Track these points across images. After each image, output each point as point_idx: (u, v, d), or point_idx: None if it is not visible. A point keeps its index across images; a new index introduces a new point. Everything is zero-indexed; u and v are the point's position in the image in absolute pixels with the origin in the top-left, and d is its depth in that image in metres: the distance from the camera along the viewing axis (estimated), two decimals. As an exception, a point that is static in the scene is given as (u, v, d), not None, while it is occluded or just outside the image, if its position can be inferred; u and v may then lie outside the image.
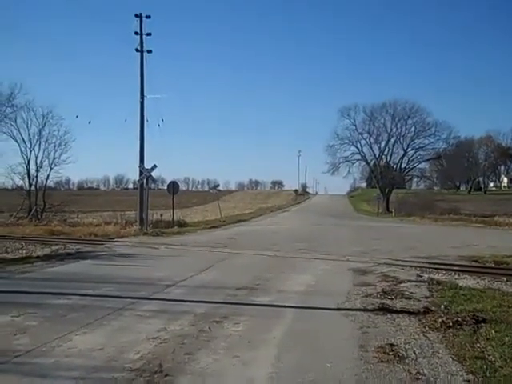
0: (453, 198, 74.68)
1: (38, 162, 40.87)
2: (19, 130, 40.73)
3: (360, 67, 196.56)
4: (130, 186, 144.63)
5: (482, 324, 7.16)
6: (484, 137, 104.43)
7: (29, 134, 40.85)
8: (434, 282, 11.15)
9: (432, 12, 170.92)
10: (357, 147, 75.54)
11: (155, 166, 27.70)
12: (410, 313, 8.17)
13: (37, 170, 40.88)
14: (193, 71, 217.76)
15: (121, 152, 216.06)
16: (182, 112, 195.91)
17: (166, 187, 35.92)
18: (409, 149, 73.90)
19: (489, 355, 5.86)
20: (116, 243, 20.41)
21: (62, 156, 41.03)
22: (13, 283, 10.90)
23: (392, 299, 9.26)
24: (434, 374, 5.37)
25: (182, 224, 31.86)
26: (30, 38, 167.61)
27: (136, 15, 29.45)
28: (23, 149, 40.67)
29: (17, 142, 40.70)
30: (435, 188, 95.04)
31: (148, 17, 29.59)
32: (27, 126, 40.85)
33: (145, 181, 27.50)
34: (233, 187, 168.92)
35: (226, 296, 9.52)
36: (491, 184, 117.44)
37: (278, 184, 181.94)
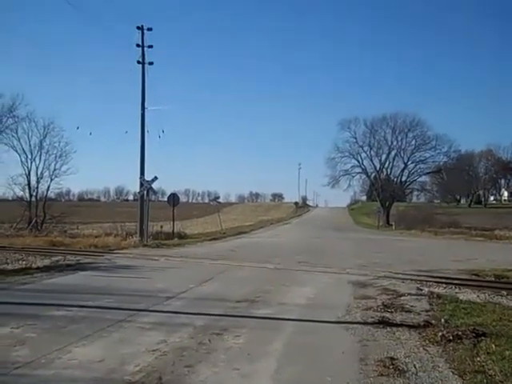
0: (453, 211, 74.51)
1: (39, 173, 40.88)
2: (20, 141, 40.75)
3: (362, 79, 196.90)
4: (131, 197, 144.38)
5: (483, 338, 7.15)
6: (484, 150, 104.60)
7: (30, 145, 40.88)
8: (435, 295, 11.14)
9: (435, 25, 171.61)
10: (357, 160, 75.60)
11: (156, 178, 27.79)
12: (410, 326, 8.16)
13: (37, 181, 40.89)
14: (193, 83, 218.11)
15: (121, 163, 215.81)
16: (182, 123, 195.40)
17: (166, 199, 35.96)
18: (409, 162, 73.96)
19: (489, 369, 5.84)
20: (116, 255, 20.40)
21: (63, 167, 41.02)
22: (12, 294, 10.88)
23: (392, 312, 9.25)
24: (434, 388, 5.37)
25: (182, 236, 31.88)
26: (29, 45, 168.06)
27: (138, 27, 29.71)
28: (24, 160, 40.68)
29: (17, 152, 40.71)
30: (435, 201, 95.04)
31: (150, 29, 29.89)
32: (28, 137, 40.91)
33: (145, 192, 27.55)
34: (233, 199, 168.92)
35: (226, 308, 9.52)
36: (491, 197, 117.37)
37: (278, 196, 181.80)
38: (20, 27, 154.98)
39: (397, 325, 8.26)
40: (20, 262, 16.74)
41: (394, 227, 55.85)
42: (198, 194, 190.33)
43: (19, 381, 5.43)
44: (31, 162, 40.78)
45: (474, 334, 7.24)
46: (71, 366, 5.87)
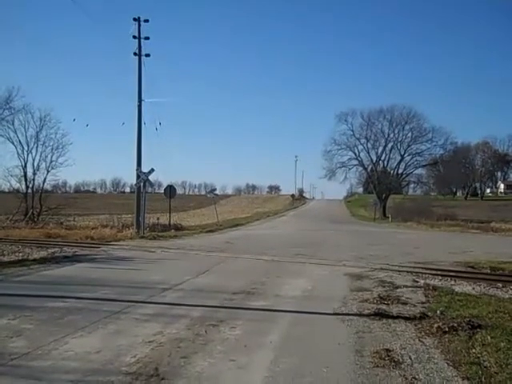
0: (449, 203, 74.58)
1: (35, 165, 40.61)
2: (16, 133, 40.47)
3: (359, 72, 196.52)
4: (127, 189, 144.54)
5: (478, 330, 7.18)
6: (481, 143, 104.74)
7: (26, 137, 40.59)
8: (430, 287, 11.18)
9: (433, 18, 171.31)
10: (354, 152, 75.49)
11: (152, 170, 27.76)
12: (406, 318, 8.19)
13: (34, 173, 40.64)
14: (189, 75, 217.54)
15: (118, 155, 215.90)
16: (179, 116, 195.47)
17: (162, 191, 35.91)
18: (406, 154, 73.99)
19: (484, 361, 5.87)
20: (113, 246, 20.40)
21: (59, 159, 40.77)
22: (9, 286, 10.88)
23: (388, 304, 9.28)
24: (429, 379, 5.39)
25: (178, 228, 31.89)
26: (28, 39, 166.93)
27: (134, 19, 29.49)
28: (20, 151, 40.44)
29: (14, 144, 40.47)
30: (432, 194, 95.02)
31: (146, 21, 29.60)
32: (24, 129, 40.61)
33: (142, 184, 27.52)
34: (230, 191, 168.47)
35: (222, 300, 9.53)
36: (488, 190, 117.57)
37: (274, 189, 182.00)
38: (19, 22, 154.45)
39: (393, 317, 8.29)
40: (16, 254, 16.76)
41: (390, 219, 55.92)
42: (195, 185, 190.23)
43: (16, 372, 5.43)
44: (27, 154, 40.59)
45: (469, 326, 7.28)
46: (68, 357, 5.89)
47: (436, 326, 7.42)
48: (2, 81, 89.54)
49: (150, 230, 28.24)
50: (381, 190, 73.80)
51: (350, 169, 77.46)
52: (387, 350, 6.31)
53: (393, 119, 73.74)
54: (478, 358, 6.00)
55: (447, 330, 7.19)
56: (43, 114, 40.56)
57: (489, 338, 6.73)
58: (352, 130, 74.54)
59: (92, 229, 28.21)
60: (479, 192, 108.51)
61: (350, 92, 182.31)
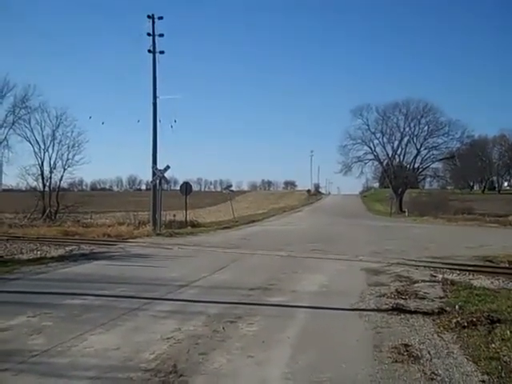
0: (466, 197, 73.90)
1: (52, 163, 41.11)
2: (33, 132, 41.03)
3: (375, 68, 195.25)
4: (143, 186, 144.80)
5: (497, 324, 7.13)
6: (498, 136, 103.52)
7: (42, 136, 41.11)
8: (448, 282, 11.09)
9: (446, 12, 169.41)
10: (369, 147, 75.05)
11: (168, 167, 27.78)
12: (424, 313, 8.15)
13: (50, 171, 41.13)
14: (205, 71, 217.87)
15: (134, 152, 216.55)
16: (194, 112, 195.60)
17: (178, 188, 35.96)
18: (422, 148, 73.34)
19: (504, 356, 5.83)
20: (129, 244, 20.49)
21: (76, 157, 41.22)
22: (28, 284, 10.98)
23: (406, 299, 9.24)
24: (448, 374, 5.36)
25: (194, 224, 31.92)
26: (44, 36, 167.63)
27: (148, 16, 29.48)
28: (37, 150, 40.95)
29: (31, 143, 41.01)
30: (449, 188, 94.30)
31: (160, 18, 29.60)
32: (41, 128, 41.15)
33: (158, 181, 27.58)
34: (245, 187, 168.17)
35: (239, 296, 9.54)
36: (505, 183, 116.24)
37: (290, 184, 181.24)
38: (31, 17, 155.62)
39: (411, 312, 8.26)
40: (35, 252, 16.90)
41: (406, 214, 55.56)
42: (211, 182, 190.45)
43: (36, 368, 5.49)
44: (44, 153, 41.08)
45: (488, 321, 7.23)
46: (87, 354, 5.94)
47: (455, 320, 7.37)
48: (17, 78, 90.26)
49: (167, 227, 28.30)
50: (397, 184, 73.34)
51: (365, 163, 77.15)
52: (406, 346, 6.28)
53: (408, 113, 73.15)
54: (498, 352, 5.95)
55: (466, 324, 7.14)
56: (59, 112, 40.99)
57: (508, 332, 6.67)
58: (367, 125, 74.12)
59: (109, 226, 28.33)
60: (496, 186, 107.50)
61: (365, 87, 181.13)
